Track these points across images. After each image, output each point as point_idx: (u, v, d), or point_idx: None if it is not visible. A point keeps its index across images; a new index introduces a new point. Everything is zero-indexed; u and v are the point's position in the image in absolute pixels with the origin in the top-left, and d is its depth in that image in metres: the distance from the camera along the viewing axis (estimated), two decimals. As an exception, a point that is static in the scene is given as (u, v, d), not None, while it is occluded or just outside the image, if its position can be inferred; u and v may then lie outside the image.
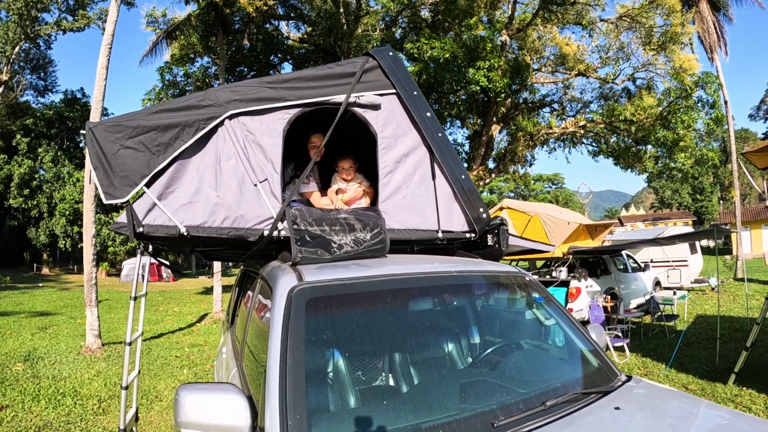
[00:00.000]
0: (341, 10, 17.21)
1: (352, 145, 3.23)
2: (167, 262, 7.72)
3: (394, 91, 2.81)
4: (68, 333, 10.12)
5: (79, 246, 26.79)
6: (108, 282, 27.96)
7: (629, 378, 2.10)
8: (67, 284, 24.91)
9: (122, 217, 2.31)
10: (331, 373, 1.74)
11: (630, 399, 1.86)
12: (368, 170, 3.09)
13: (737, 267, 21.48)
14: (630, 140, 19.82)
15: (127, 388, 2.75)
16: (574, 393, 1.83)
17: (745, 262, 19.44)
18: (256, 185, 2.52)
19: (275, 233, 2.50)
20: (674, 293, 11.38)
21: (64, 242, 30.52)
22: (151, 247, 2.89)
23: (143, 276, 3.21)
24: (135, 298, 2.76)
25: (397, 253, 2.71)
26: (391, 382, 1.89)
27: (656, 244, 8.74)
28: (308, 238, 2.27)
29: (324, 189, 3.30)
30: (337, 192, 3.13)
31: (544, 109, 22.19)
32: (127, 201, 2.29)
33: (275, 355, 1.53)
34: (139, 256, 2.62)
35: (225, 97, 2.48)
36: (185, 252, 33.79)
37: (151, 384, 6.04)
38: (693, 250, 18.00)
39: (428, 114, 2.83)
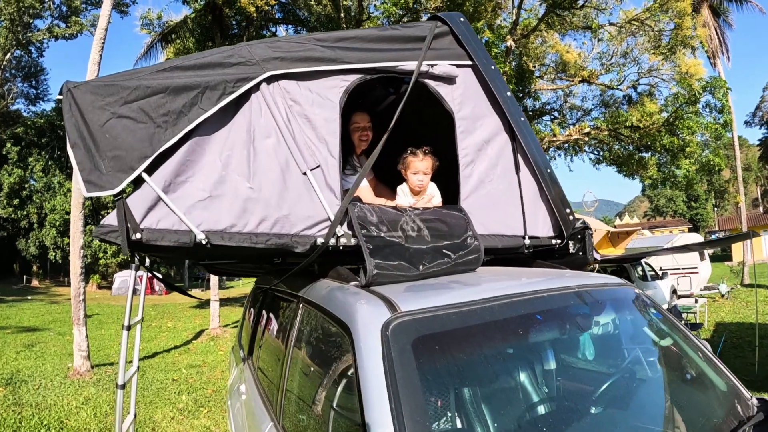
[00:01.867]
0: (341, 15, 16.78)
1: (405, 131, 2.67)
2: (160, 276, 7.09)
3: (469, 63, 2.27)
4: (56, 351, 9.43)
5: (70, 258, 25.97)
6: (99, 295, 27.07)
7: (763, 401, 1.69)
8: (57, 297, 24.03)
9: (111, 217, 1.68)
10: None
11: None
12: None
13: (744, 273, 21.22)
14: (632, 147, 19.54)
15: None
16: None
17: (752, 267, 19.08)
18: (305, 174, 1.91)
19: (332, 241, 1.89)
20: (696, 301, 11.01)
21: (54, 254, 29.72)
22: (148, 260, 2.30)
23: (138, 294, 2.59)
24: (129, 327, 2.14)
25: None
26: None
27: (688, 250, 8.29)
28: (383, 248, 1.69)
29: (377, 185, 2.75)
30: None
31: (544, 117, 21.91)
32: (120, 194, 1.67)
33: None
34: (133, 272, 2.01)
35: (262, 53, 1.88)
36: (182, 263, 32.77)
37: (146, 414, 5.39)
38: (702, 257, 17.66)
39: (508, 93, 2.30)
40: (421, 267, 1.69)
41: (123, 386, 2.11)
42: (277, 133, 1.90)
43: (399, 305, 1.32)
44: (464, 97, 2.25)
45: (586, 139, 19.94)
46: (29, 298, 23.19)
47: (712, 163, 18.36)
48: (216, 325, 11.64)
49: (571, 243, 2.54)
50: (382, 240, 1.72)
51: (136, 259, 1.97)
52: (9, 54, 30.56)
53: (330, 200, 1.94)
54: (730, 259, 32.74)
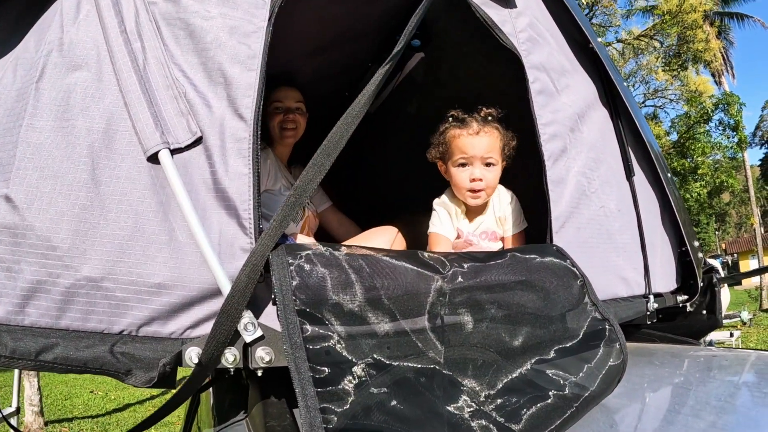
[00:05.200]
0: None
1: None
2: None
3: None
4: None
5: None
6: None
7: None
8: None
9: None
10: None
11: None
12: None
13: (762, 297, 20.49)
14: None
15: None
16: None
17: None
18: (154, 159, 0.79)
19: (229, 358, 0.75)
20: (731, 335, 10.24)
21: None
22: None
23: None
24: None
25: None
26: None
27: (742, 277, 7.46)
28: (373, 395, 0.56)
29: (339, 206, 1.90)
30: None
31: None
32: None
33: None
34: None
35: None
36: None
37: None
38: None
39: (600, 39, 1.40)
40: None
41: None
42: (99, 60, 0.83)
43: None
44: (534, 32, 1.26)
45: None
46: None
47: (725, 184, 17.83)
48: (200, 366, 10.54)
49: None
50: (370, 368, 0.60)
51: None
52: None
53: (227, 236, 0.81)
54: (738, 283, 31.97)
